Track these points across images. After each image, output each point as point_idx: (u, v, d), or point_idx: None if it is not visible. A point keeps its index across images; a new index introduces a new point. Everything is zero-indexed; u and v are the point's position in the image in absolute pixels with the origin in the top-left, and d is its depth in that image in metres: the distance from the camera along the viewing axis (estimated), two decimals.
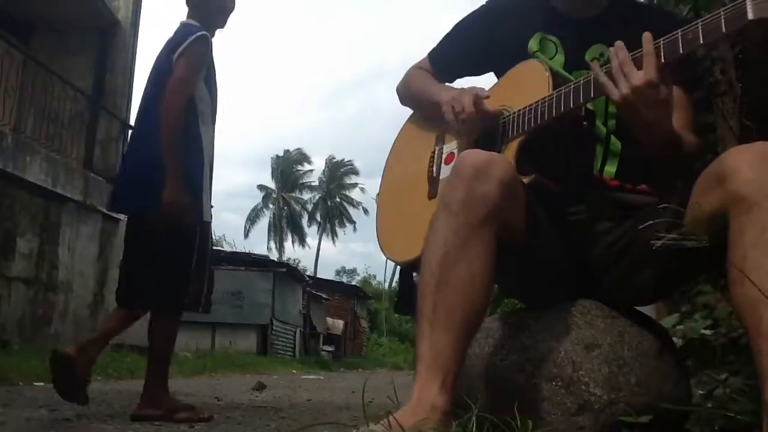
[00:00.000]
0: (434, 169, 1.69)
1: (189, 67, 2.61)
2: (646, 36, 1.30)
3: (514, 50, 1.64)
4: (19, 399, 3.11)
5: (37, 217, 7.67)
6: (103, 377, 5.44)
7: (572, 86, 1.42)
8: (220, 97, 2.84)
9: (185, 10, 2.78)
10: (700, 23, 1.22)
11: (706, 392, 1.70)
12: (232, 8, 2.85)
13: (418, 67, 1.87)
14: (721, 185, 1.20)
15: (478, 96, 1.55)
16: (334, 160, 47.86)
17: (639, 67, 1.30)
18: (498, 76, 1.73)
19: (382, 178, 1.90)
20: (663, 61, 1.29)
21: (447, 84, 1.79)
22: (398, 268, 1.75)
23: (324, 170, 47.25)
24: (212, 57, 2.77)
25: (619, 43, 1.34)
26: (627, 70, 1.31)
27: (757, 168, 1.15)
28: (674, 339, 1.74)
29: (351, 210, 46.82)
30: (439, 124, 1.73)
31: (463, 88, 1.65)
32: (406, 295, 1.68)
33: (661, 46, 1.29)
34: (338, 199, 46.84)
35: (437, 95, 1.68)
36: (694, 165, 1.49)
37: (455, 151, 1.65)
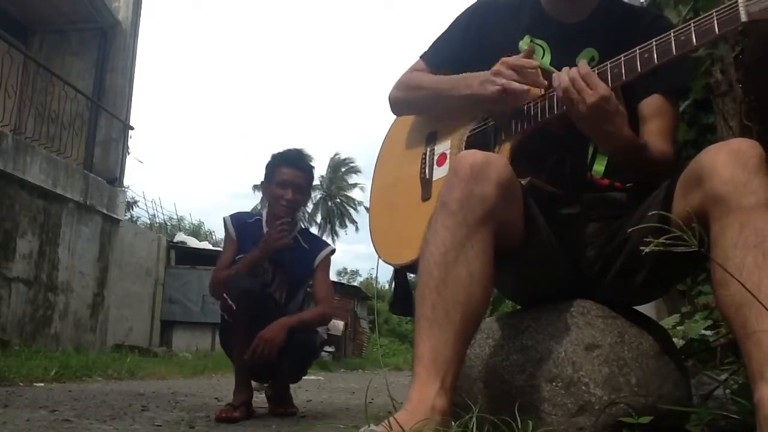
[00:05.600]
0: (426, 170, 1.67)
1: None
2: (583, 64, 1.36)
3: (504, 50, 1.63)
4: (19, 399, 3.11)
5: (37, 218, 7.67)
6: (103, 377, 5.44)
7: None
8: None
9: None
10: (692, 24, 1.21)
11: (706, 393, 1.69)
12: None
13: (414, 70, 1.79)
14: (699, 185, 1.19)
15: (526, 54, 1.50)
16: (338, 158, 47.51)
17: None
18: None
19: (372, 181, 1.89)
20: (657, 62, 1.28)
21: None
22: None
23: (327, 170, 46.90)
24: None
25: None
26: (580, 86, 1.34)
27: (732, 166, 1.14)
28: (674, 339, 1.74)
29: (351, 211, 46.62)
30: (434, 125, 1.72)
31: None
32: (401, 296, 1.67)
33: (654, 47, 1.28)
34: (338, 200, 46.63)
35: (462, 79, 1.59)
36: (669, 172, 1.48)
37: (447, 151, 1.65)
